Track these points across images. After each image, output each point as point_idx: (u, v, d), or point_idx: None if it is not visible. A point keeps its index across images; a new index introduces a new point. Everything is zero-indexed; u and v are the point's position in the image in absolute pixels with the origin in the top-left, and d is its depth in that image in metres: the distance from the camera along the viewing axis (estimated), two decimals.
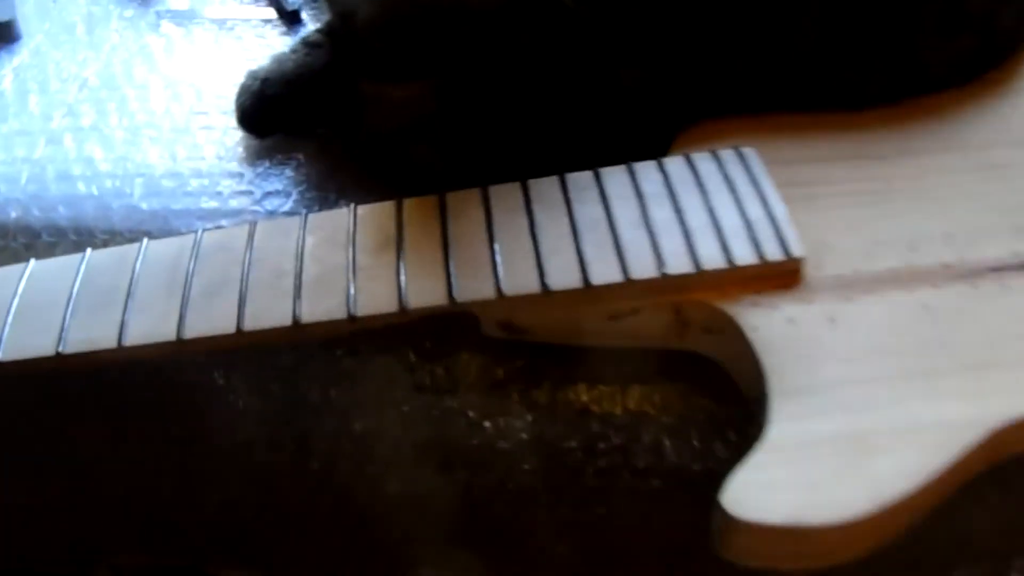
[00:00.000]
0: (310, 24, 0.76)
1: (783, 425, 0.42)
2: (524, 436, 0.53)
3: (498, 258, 0.48)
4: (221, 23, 0.78)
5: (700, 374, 0.51)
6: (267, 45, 0.74)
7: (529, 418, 0.53)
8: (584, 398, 0.53)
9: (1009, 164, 0.56)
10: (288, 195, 0.59)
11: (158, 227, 0.58)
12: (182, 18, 0.79)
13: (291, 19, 0.76)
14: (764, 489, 0.40)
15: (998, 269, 0.49)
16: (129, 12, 0.81)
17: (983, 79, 0.63)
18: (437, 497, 0.55)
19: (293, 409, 0.55)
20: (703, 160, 0.53)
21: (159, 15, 0.80)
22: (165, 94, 0.69)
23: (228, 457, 0.57)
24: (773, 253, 0.48)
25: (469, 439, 0.53)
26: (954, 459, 0.41)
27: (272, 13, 0.78)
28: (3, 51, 0.78)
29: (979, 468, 0.44)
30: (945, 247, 0.50)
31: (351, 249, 0.50)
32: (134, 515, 0.61)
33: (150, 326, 0.48)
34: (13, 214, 0.60)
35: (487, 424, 0.53)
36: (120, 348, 0.48)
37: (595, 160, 0.54)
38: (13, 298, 0.50)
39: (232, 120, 0.64)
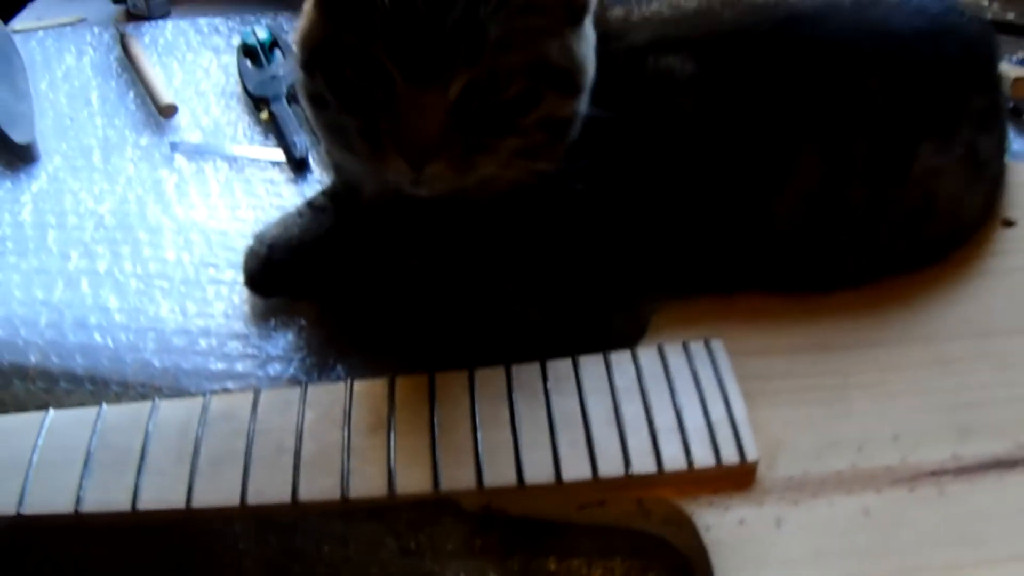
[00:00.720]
0: (316, 170, 0.84)
1: None
2: None
3: (480, 449, 0.56)
4: (232, 161, 0.86)
5: (660, 553, 0.58)
6: (275, 192, 0.83)
7: None
8: (553, 568, 0.60)
9: (962, 358, 0.64)
10: (290, 361, 0.67)
11: (168, 384, 0.66)
12: (195, 153, 0.88)
13: (298, 166, 0.85)
14: None
15: (937, 473, 0.57)
16: (144, 140, 0.89)
17: (947, 260, 0.71)
18: None
19: (287, 558, 0.63)
20: (673, 353, 0.61)
21: (173, 147, 0.88)
22: (177, 240, 0.77)
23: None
24: (730, 457, 0.55)
25: None
26: None
27: (281, 155, 0.86)
28: (23, 173, 0.87)
29: None
30: (890, 449, 0.58)
31: (346, 429, 0.57)
32: None
33: (161, 492, 0.56)
34: (33, 359, 0.69)
35: None
36: (134, 512, 0.55)
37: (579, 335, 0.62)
38: (34, 450, 0.58)
39: (239, 275, 0.72)
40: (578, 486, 0.55)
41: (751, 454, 0.55)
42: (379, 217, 0.67)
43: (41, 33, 1.08)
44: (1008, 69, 1.01)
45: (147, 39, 1.06)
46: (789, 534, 0.54)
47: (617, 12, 0.70)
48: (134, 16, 1.11)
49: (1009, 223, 0.76)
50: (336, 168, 0.72)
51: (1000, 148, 0.78)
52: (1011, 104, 1.00)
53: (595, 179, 0.62)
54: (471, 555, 0.60)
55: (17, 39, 1.06)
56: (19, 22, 1.13)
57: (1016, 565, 0.53)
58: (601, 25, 0.66)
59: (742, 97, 0.65)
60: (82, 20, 1.12)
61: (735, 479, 0.56)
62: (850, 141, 0.66)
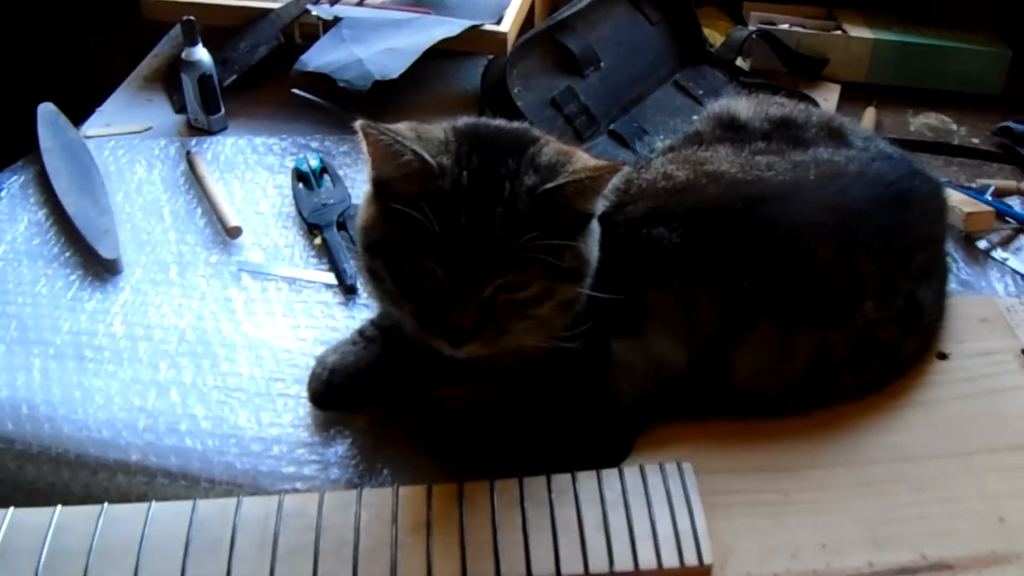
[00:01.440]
0: (362, 294, 1.05)
1: None
2: None
3: (498, 547, 0.76)
4: (291, 282, 1.08)
5: None
6: (329, 314, 1.05)
7: None
8: None
9: (884, 480, 0.84)
10: (346, 466, 0.88)
11: (249, 483, 0.87)
12: (258, 272, 1.09)
13: (348, 290, 1.06)
14: None
15: None
16: (214, 258, 1.11)
17: (883, 391, 0.92)
18: None
19: None
20: (652, 472, 0.81)
21: (240, 266, 1.09)
22: (249, 356, 0.99)
23: None
24: (691, 560, 0.75)
25: None
26: None
27: (332, 278, 1.07)
28: (109, 285, 1.08)
29: None
30: (818, 556, 0.78)
31: (394, 527, 0.78)
32: None
33: (250, 570, 0.76)
34: (134, 457, 0.90)
35: None
36: None
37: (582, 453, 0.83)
38: (142, 536, 0.78)
39: (302, 390, 0.94)
40: None
41: (707, 558, 0.76)
42: (418, 354, 0.88)
43: (112, 143, 1.30)
44: (962, 202, 1.22)
45: (209, 155, 1.27)
46: None
47: (618, 181, 0.90)
48: (194, 129, 1.33)
49: (943, 356, 0.97)
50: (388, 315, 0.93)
51: (940, 293, 1.00)
52: (964, 235, 1.21)
53: (596, 334, 0.83)
54: None
55: (90, 145, 1.28)
56: (90, 128, 1.34)
57: None
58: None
59: (714, 265, 0.85)
60: (148, 129, 1.34)
61: None
62: (802, 302, 0.86)
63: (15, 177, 1.26)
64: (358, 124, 0.76)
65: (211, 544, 0.77)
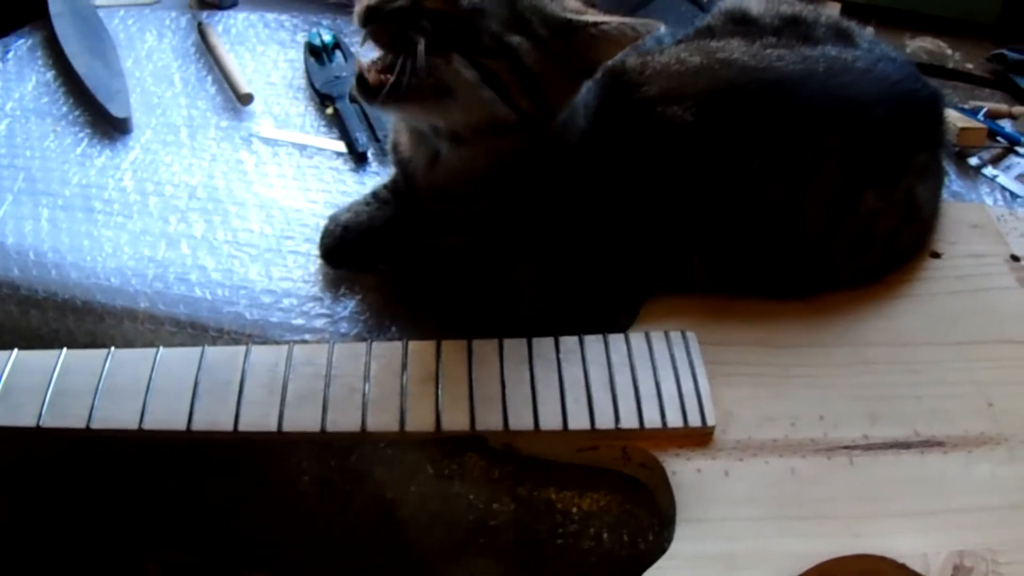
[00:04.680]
0: (372, 163, 1.03)
1: (682, 543, 0.70)
2: (507, 518, 0.80)
3: (507, 400, 0.75)
4: (302, 149, 1.06)
5: (634, 490, 0.78)
6: (340, 180, 1.02)
7: (512, 506, 0.80)
8: (552, 497, 0.80)
9: (880, 361, 0.84)
10: (355, 321, 0.87)
11: (258, 333, 0.85)
12: (270, 139, 1.06)
13: (359, 159, 1.04)
14: None
15: (849, 447, 0.77)
16: (224, 123, 1.08)
17: (882, 280, 0.91)
18: (439, 551, 0.82)
19: (342, 476, 0.82)
20: (657, 338, 0.80)
21: (251, 133, 1.07)
22: (259, 214, 0.97)
23: (280, 490, 0.85)
24: (694, 421, 0.75)
25: (468, 516, 0.81)
26: None
27: (343, 147, 1.05)
28: (119, 143, 1.05)
29: None
30: (816, 426, 0.77)
31: (403, 377, 0.76)
32: (187, 520, 0.89)
33: (257, 418, 0.74)
34: (143, 305, 0.88)
35: (482, 506, 0.80)
36: (235, 432, 0.74)
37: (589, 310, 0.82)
38: (149, 379, 0.76)
39: (313, 248, 0.92)
40: (578, 434, 0.75)
41: (710, 420, 0.75)
42: (427, 208, 0.86)
43: (122, 12, 1.26)
44: (956, 118, 1.21)
45: (220, 28, 1.23)
46: (733, 482, 0.73)
47: (633, 63, 0.89)
48: (206, 4, 1.29)
49: (936, 255, 0.96)
50: (397, 162, 0.91)
51: (936, 194, 0.99)
52: (957, 149, 1.20)
53: (611, 198, 0.82)
54: (490, 482, 0.80)
55: (100, 14, 1.24)
56: None
57: (901, 520, 0.73)
58: (623, 75, 0.86)
59: (728, 145, 0.84)
60: (157, 1, 1.30)
61: (697, 438, 0.75)
62: (809, 184, 0.85)
63: (22, 40, 1.22)
64: None
65: (220, 387, 0.76)
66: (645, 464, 0.76)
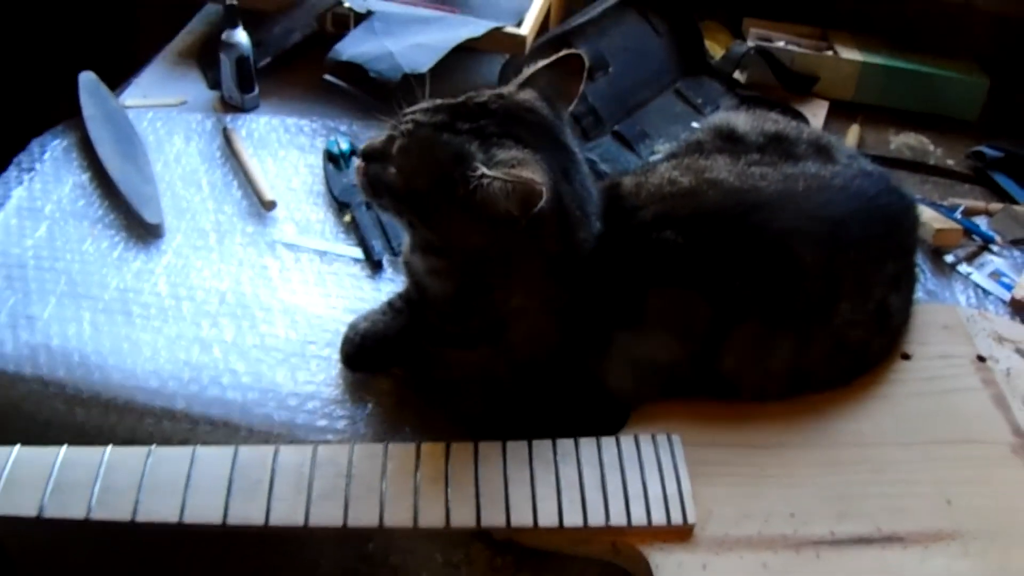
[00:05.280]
0: (388, 269, 1.16)
1: None
2: None
3: (509, 499, 0.87)
4: (322, 255, 1.19)
5: None
6: (357, 286, 1.15)
7: None
8: None
9: (848, 462, 0.96)
10: (373, 423, 0.99)
11: (285, 434, 0.98)
12: (292, 245, 1.20)
13: (375, 266, 1.17)
14: None
15: (816, 543, 0.88)
16: (250, 228, 1.21)
17: (853, 385, 1.03)
18: None
19: (360, 562, 0.94)
20: (645, 441, 0.92)
21: (275, 240, 1.20)
22: (284, 319, 1.09)
23: (292, 566, 0.99)
24: (677, 519, 0.87)
25: None
26: None
27: (360, 253, 1.18)
28: (153, 248, 1.18)
29: None
30: (787, 523, 0.89)
31: (417, 476, 0.88)
32: None
33: (286, 514, 0.86)
34: (179, 405, 1.00)
35: None
36: (266, 526, 0.86)
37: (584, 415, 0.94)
38: (188, 476, 0.88)
39: (334, 352, 1.05)
40: (573, 530, 0.86)
41: (691, 518, 0.87)
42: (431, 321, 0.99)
43: (151, 114, 1.39)
44: (933, 218, 1.33)
45: (243, 131, 1.37)
46: (710, 574, 0.85)
47: (630, 185, 1.02)
48: (228, 105, 1.43)
49: (907, 356, 1.08)
50: (410, 274, 1.03)
51: (908, 300, 1.11)
52: (933, 248, 1.32)
53: (604, 317, 0.94)
54: (493, 570, 0.92)
55: (130, 115, 1.38)
56: (128, 98, 1.43)
57: None
58: (622, 200, 0.99)
59: (711, 265, 0.96)
60: (183, 102, 1.43)
61: (678, 534, 0.87)
62: (786, 302, 0.97)
63: (58, 140, 1.35)
64: None
65: (252, 486, 0.88)
66: (631, 557, 0.87)
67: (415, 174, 0.92)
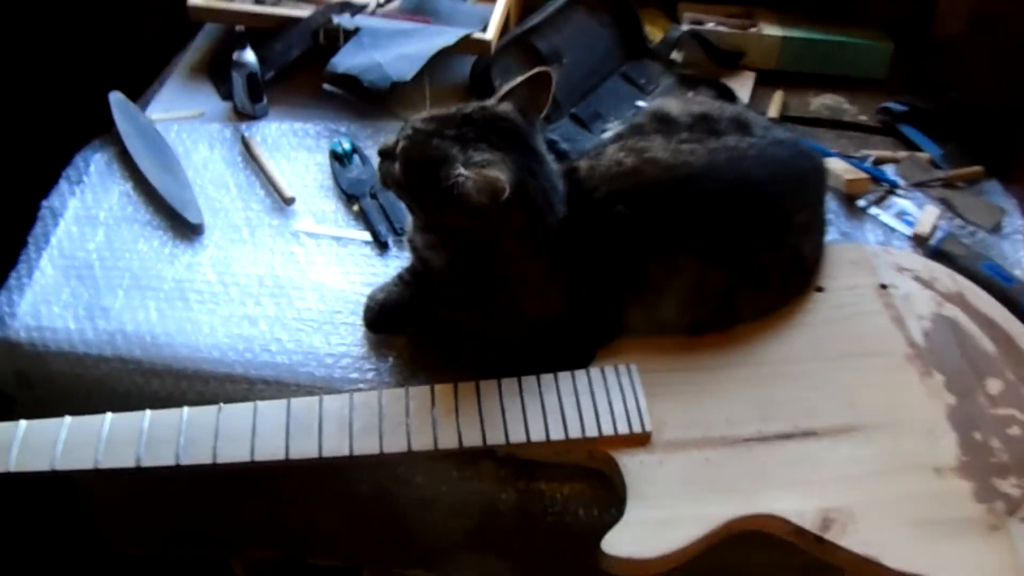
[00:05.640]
0: (393, 249, 1.40)
1: (632, 513, 1.06)
2: (512, 504, 1.18)
3: (507, 422, 1.11)
4: (337, 240, 1.42)
5: (599, 479, 1.15)
6: (369, 264, 1.39)
7: (515, 495, 1.18)
8: (543, 487, 1.18)
9: (772, 375, 1.20)
10: (395, 373, 1.24)
11: (326, 386, 1.22)
12: (313, 234, 1.43)
13: (382, 247, 1.41)
14: (620, 541, 1.04)
15: (748, 440, 1.13)
16: (275, 222, 1.45)
17: (776, 315, 1.28)
18: (466, 529, 1.20)
19: (391, 482, 1.20)
20: (609, 371, 1.17)
21: (298, 230, 1.43)
22: (314, 296, 1.33)
23: (344, 497, 1.23)
24: (637, 428, 1.12)
25: (481, 503, 1.18)
26: (706, 532, 1.05)
27: (369, 236, 1.42)
28: (197, 243, 1.41)
29: (723, 536, 1.07)
30: (724, 427, 1.14)
31: (433, 411, 1.12)
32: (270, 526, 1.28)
33: (335, 447, 1.10)
34: (239, 370, 1.24)
35: (491, 496, 1.17)
36: (320, 458, 1.10)
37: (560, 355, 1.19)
38: (253, 425, 1.12)
39: (357, 319, 1.29)
40: (557, 442, 1.11)
41: (648, 427, 1.12)
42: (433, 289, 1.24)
43: (176, 126, 1.61)
44: (845, 170, 1.56)
45: (258, 137, 1.59)
46: (666, 469, 1.10)
47: (584, 168, 1.25)
48: (240, 114, 1.64)
49: (820, 289, 1.32)
50: (413, 251, 1.27)
51: (818, 243, 1.35)
52: (847, 196, 1.56)
53: (579, 276, 1.18)
54: (498, 480, 1.18)
55: (158, 127, 1.60)
56: (153, 113, 1.65)
57: (785, 489, 1.09)
58: (581, 182, 1.23)
59: (656, 228, 1.20)
60: (202, 114, 1.65)
61: (639, 440, 1.12)
62: (717, 250, 1.21)
63: (98, 155, 1.55)
64: None
65: (305, 428, 1.11)
66: (605, 460, 1.12)
67: (412, 171, 1.15)
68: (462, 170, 1.09)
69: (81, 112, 1.67)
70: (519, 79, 1.23)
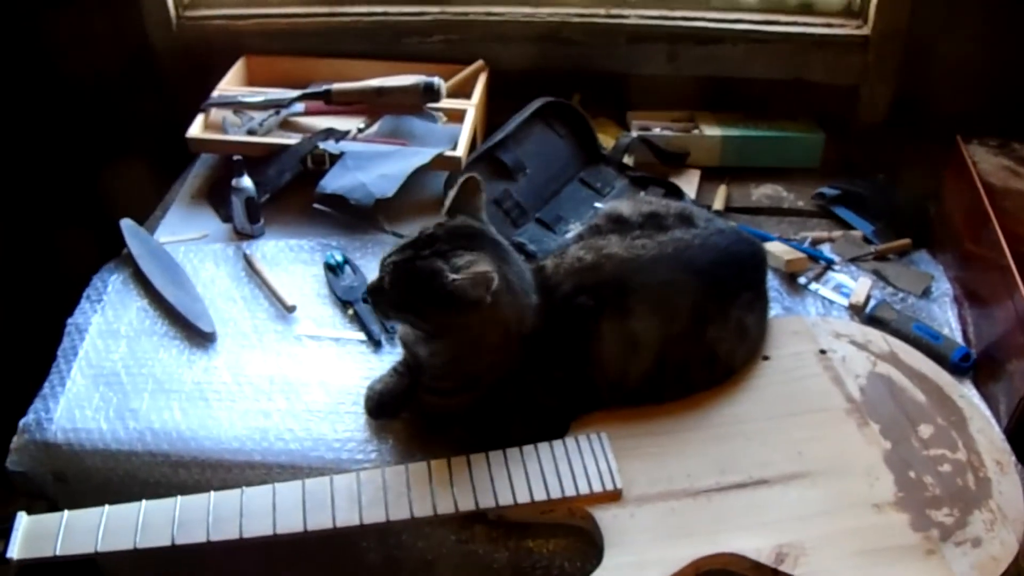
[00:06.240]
0: (386, 346, 1.56)
1: (609, 559, 1.21)
2: (504, 562, 1.32)
3: (495, 487, 1.26)
4: (336, 340, 1.58)
5: (579, 534, 1.29)
6: (366, 361, 1.54)
7: (506, 553, 1.32)
8: (531, 544, 1.31)
9: (727, 434, 1.35)
10: (395, 453, 1.38)
11: (335, 467, 1.36)
12: (315, 337, 1.59)
13: (376, 345, 1.56)
14: None
15: (707, 491, 1.28)
16: (280, 327, 1.60)
17: (726, 383, 1.44)
18: None
19: (396, 549, 1.33)
20: (583, 439, 1.32)
21: (300, 335, 1.59)
22: (320, 390, 1.48)
23: (354, 564, 1.36)
24: (609, 486, 1.26)
25: (479, 562, 1.32)
26: (675, 571, 1.19)
27: (363, 337, 1.58)
28: (211, 350, 1.56)
29: (692, 575, 1.22)
30: (685, 480, 1.29)
31: (430, 484, 1.27)
32: None
33: (346, 516, 1.24)
34: (257, 458, 1.38)
35: (486, 556, 1.32)
36: (334, 528, 1.24)
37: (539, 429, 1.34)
38: (273, 505, 1.25)
39: (359, 407, 1.44)
40: (541, 503, 1.26)
41: (619, 485, 1.27)
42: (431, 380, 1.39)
43: (183, 248, 1.77)
44: (784, 251, 1.72)
45: (258, 254, 1.75)
46: (636, 520, 1.25)
47: (550, 266, 1.41)
48: (240, 234, 1.80)
49: (766, 358, 1.48)
50: (405, 348, 1.43)
51: (761, 318, 1.51)
52: (788, 274, 1.72)
53: (552, 360, 1.34)
54: (491, 540, 1.31)
55: (167, 249, 1.76)
56: (161, 236, 1.81)
57: (743, 531, 1.24)
58: (547, 279, 1.38)
59: (615, 315, 1.36)
60: (205, 235, 1.81)
61: (611, 497, 1.27)
62: (669, 330, 1.37)
63: (115, 276, 1.70)
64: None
65: (319, 504, 1.24)
66: (583, 516, 1.27)
67: (408, 294, 1.30)
68: (454, 276, 1.24)
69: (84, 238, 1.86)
70: (453, 192, 1.39)
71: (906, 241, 1.82)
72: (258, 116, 1.97)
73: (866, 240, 1.84)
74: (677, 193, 1.89)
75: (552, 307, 1.36)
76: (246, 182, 1.76)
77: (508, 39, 2.13)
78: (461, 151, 1.85)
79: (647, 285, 1.38)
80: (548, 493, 1.27)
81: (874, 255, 1.80)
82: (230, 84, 2.06)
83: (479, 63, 2.11)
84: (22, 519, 1.23)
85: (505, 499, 1.26)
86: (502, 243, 1.37)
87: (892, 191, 1.95)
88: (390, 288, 1.31)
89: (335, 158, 1.85)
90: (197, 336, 1.59)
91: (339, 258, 1.71)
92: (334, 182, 1.79)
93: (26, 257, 2.31)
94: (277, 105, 1.98)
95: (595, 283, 1.38)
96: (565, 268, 1.41)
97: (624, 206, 1.55)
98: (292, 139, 1.91)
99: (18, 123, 2.25)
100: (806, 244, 1.80)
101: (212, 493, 1.26)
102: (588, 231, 1.53)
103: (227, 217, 1.84)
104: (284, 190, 1.87)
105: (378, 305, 1.35)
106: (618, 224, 1.50)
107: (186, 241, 1.80)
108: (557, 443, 1.32)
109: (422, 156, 1.82)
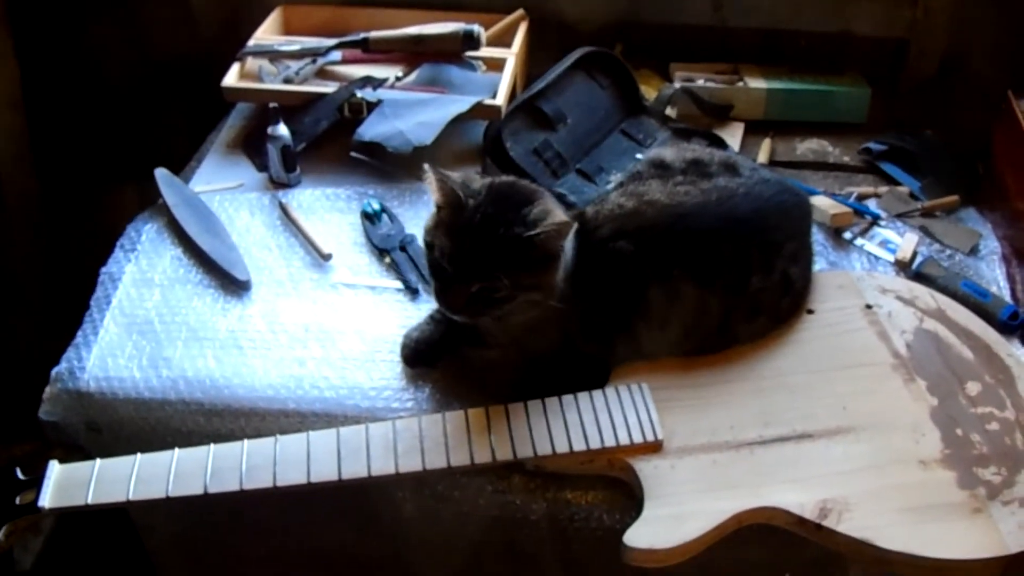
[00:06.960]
0: (425, 295, 1.53)
1: (649, 511, 1.18)
2: (542, 513, 1.30)
3: (534, 438, 1.23)
4: (372, 289, 1.56)
5: (619, 485, 1.27)
6: (403, 309, 1.52)
7: (544, 505, 1.30)
8: (569, 496, 1.29)
9: (770, 387, 1.32)
10: (431, 401, 1.36)
11: (371, 416, 1.34)
12: (351, 285, 1.57)
13: (413, 293, 1.54)
14: (639, 536, 1.16)
15: (750, 444, 1.25)
16: (315, 275, 1.58)
17: (770, 336, 1.40)
18: (497, 542, 1.32)
19: (433, 499, 1.32)
20: (623, 390, 1.29)
21: (336, 283, 1.57)
22: (356, 338, 1.46)
23: (391, 515, 1.34)
24: (650, 437, 1.24)
25: (516, 513, 1.30)
26: (716, 524, 1.17)
27: (400, 285, 1.56)
28: (246, 298, 1.54)
29: (733, 528, 1.19)
30: (728, 433, 1.26)
31: (467, 432, 1.25)
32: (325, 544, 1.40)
33: (382, 467, 1.22)
34: (292, 406, 1.36)
35: (523, 507, 1.30)
36: (369, 476, 1.22)
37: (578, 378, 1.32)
38: (308, 452, 1.23)
39: (395, 356, 1.42)
40: (580, 453, 1.23)
41: (660, 436, 1.24)
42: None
43: (218, 197, 1.75)
44: (830, 205, 1.69)
45: (293, 203, 1.73)
46: (677, 472, 1.22)
47: (591, 213, 1.38)
48: (276, 183, 1.78)
49: (810, 311, 1.45)
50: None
51: (806, 270, 1.47)
52: (833, 229, 1.69)
53: (586, 306, 1.31)
54: (528, 491, 1.29)
55: (203, 198, 1.74)
56: (196, 185, 1.78)
57: (785, 484, 1.21)
58: (586, 224, 1.35)
59: (656, 262, 1.33)
60: (241, 184, 1.79)
61: (652, 448, 1.24)
62: (712, 280, 1.34)
63: (149, 224, 1.69)
64: (427, 168, 1.26)
65: (354, 452, 1.22)
66: (623, 467, 1.24)
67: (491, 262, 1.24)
68: (534, 231, 1.23)
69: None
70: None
71: (954, 198, 1.77)
72: (294, 65, 1.94)
73: (913, 196, 1.79)
74: (721, 145, 1.85)
75: (592, 253, 1.33)
76: (282, 130, 1.73)
77: None
78: (501, 99, 1.81)
79: (689, 232, 1.35)
80: (587, 444, 1.24)
81: (921, 211, 1.75)
82: (266, 33, 2.03)
83: (519, 12, 2.06)
84: (54, 468, 1.22)
85: (544, 449, 1.23)
86: (543, 192, 1.35)
87: (940, 147, 1.90)
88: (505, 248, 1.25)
89: (372, 106, 1.82)
90: (232, 284, 1.57)
91: (376, 206, 1.68)
92: (371, 130, 1.77)
93: (69, 211, 2.30)
94: (314, 53, 1.95)
95: (636, 228, 1.35)
96: (605, 214, 1.38)
97: (667, 152, 1.52)
98: (329, 87, 1.88)
99: (57, 78, 2.24)
100: (851, 199, 1.76)
101: (246, 441, 1.24)
102: (629, 178, 1.50)
103: (263, 166, 1.82)
104: (320, 138, 1.84)
105: (482, 314, 1.29)
106: (660, 169, 1.47)
107: (221, 190, 1.78)
108: (597, 393, 1.29)
109: (461, 104, 1.79)
